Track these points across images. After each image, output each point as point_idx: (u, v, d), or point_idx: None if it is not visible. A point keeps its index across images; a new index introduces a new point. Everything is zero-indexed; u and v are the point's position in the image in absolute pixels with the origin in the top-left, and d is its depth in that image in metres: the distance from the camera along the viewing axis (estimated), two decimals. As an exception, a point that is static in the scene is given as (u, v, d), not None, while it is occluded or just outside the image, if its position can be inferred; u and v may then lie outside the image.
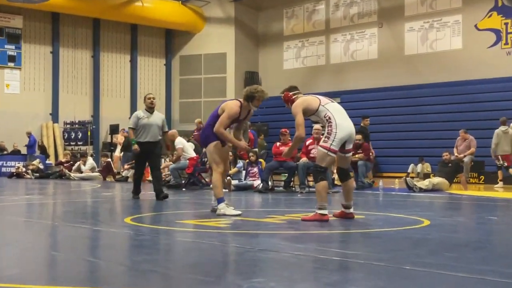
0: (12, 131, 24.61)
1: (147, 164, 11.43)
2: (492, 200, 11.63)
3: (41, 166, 22.14)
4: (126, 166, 19.70)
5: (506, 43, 21.28)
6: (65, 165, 21.36)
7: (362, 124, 15.96)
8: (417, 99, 22.37)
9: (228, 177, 13.91)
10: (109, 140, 26.00)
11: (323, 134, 7.50)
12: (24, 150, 24.20)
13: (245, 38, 28.00)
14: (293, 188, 13.79)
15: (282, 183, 14.14)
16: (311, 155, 13.23)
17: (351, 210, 7.32)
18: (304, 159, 13.26)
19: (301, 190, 13.06)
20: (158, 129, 10.99)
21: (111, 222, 7.56)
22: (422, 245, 5.46)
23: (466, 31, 22.19)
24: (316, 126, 13.59)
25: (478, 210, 9.79)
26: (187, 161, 14.88)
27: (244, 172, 14.44)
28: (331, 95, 24.82)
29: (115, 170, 20.23)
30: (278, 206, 9.63)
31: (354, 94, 24.32)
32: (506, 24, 21.31)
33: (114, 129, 25.00)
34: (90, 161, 21.05)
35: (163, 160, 22.01)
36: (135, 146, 10.89)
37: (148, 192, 13.28)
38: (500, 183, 16.64)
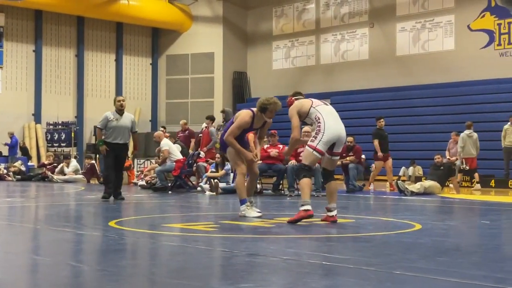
0: (-6, 132, 24.11)
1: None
2: (484, 204, 11.65)
3: (23, 168, 21.73)
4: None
5: (499, 44, 21.02)
6: (48, 167, 21.02)
7: (377, 126, 15.56)
8: (408, 101, 22.08)
9: (216, 180, 13.75)
10: (93, 141, 25.50)
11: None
12: (5, 152, 23.76)
13: (234, 37, 27.63)
14: (282, 191, 13.61)
15: (271, 186, 13.83)
16: (300, 158, 12.92)
17: (335, 213, 7.34)
18: (293, 162, 13.03)
19: (290, 193, 12.89)
20: (127, 131, 11.21)
21: (95, 226, 7.56)
22: (413, 249, 5.43)
23: (458, 31, 21.93)
24: (305, 128, 13.41)
25: (470, 214, 9.80)
26: (174, 163, 14.69)
27: (232, 174, 14.16)
28: (321, 96, 24.75)
29: (99, 173, 19.87)
30: (267, 210, 9.37)
31: (345, 95, 23.99)
32: (499, 24, 21.04)
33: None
34: (73, 163, 20.76)
35: (149, 162, 21.78)
36: (103, 147, 11.09)
37: (133, 195, 12.98)
38: (478, 185, 16.84)
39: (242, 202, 7.96)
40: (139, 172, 19.38)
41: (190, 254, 5.05)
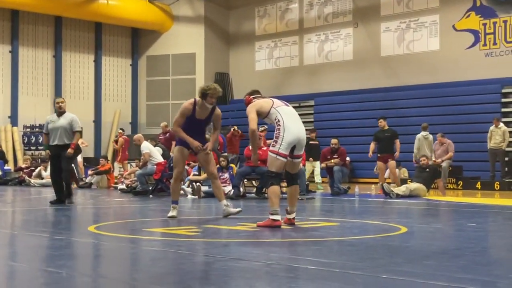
0: (-32, 135, 23.60)
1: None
2: (470, 206, 11.67)
3: (-1, 172, 21.27)
4: (90, 172, 19.11)
5: (485, 44, 20.88)
6: (25, 171, 20.73)
7: (384, 127, 15.28)
8: (393, 102, 21.89)
9: (198, 184, 13.53)
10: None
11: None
12: (-19, 155, 23.17)
13: (216, 37, 27.30)
14: (266, 195, 13.28)
15: (254, 189, 13.62)
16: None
17: (293, 216, 7.31)
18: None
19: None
20: (64, 132, 11.02)
21: (74, 231, 7.52)
22: (399, 253, 5.45)
23: (443, 31, 21.77)
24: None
25: (456, 216, 9.80)
26: (154, 166, 14.52)
27: (215, 178, 13.84)
28: (305, 97, 24.50)
29: (78, 176, 19.48)
30: (250, 213, 9.49)
31: (329, 96, 23.78)
32: (484, 24, 20.89)
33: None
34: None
35: (129, 165, 21.35)
36: (47, 151, 11.31)
37: (113, 199, 12.80)
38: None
39: (173, 202, 8.37)
40: (119, 176, 19.02)
41: (172, 259, 5.05)
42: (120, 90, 27.94)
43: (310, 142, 16.64)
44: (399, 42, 22.65)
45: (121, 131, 20.40)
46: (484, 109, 19.70)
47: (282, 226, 7.10)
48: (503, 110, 19.75)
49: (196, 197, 13.26)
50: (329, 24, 24.44)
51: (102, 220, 8.92)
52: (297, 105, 24.75)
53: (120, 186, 16.36)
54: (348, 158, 16.56)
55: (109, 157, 23.69)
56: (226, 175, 13.69)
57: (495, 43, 20.66)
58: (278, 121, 7.24)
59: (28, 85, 25.47)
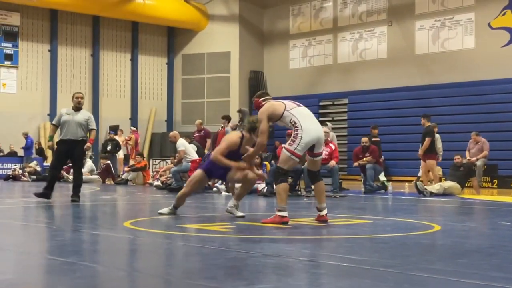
0: (9, 132, 24.09)
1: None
2: (505, 205, 11.55)
3: (38, 169, 21.70)
4: (126, 169, 19.40)
5: (521, 42, 20.60)
6: (63, 167, 20.89)
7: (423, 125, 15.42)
8: (427, 100, 21.76)
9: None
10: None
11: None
12: (21, 152, 23.70)
13: (250, 36, 27.37)
14: (299, 192, 13.58)
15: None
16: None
17: (325, 213, 7.32)
18: (309, 163, 12.82)
19: (307, 194, 12.79)
20: (79, 127, 10.71)
21: (110, 226, 7.57)
22: (432, 251, 5.41)
23: (479, 29, 21.53)
24: (324, 128, 13.38)
25: (491, 215, 9.72)
26: (189, 163, 14.61)
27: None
28: (338, 95, 24.50)
29: (115, 173, 19.82)
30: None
31: (363, 94, 23.71)
32: (520, 22, 20.62)
33: (114, 130, 24.44)
34: (89, 163, 20.71)
35: (164, 162, 21.67)
36: (50, 143, 11.15)
37: (149, 196, 12.87)
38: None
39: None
40: (155, 173, 19.29)
41: (206, 255, 5.05)
42: (156, 88, 28.23)
43: (373, 139, 16.61)
44: (433, 40, 22.46)
45: (134, 128, 20.67)
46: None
47: (314, 224, 7.13)
48: (539, 108, 19.55)
49: (230, 194, 13.40)
50: (363, 22, 24.33)
51: (137, 216, 8.93)
52: (331, 103, 24.84)
53: (156, 183, 16.60)
54: (382, 157, 16.56)
55: (145, 154, 24.01)
56: (260, 172, 13.79)
57: (531, 41, 20.43)
58: (295, 123, 7.20)
59: (66, 83, 25.89)
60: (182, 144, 14.84)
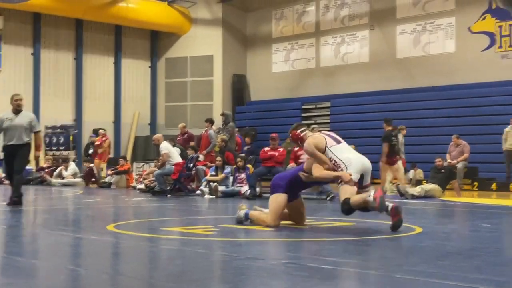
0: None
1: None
2: (486, 207, 11.67)
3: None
4: (109, 172, 19.36)
5: (500, 47, 20.88)
6: (46, 170, 20.94)
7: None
8: (409, 104, 21.94)
9: (215, 183, 13.70)
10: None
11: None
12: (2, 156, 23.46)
13: (233, 40, 27.41)
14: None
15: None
16: (300, 160, 12.97)
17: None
18: (292, 165, 12.95)
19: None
20: (23, 130, 10.21)
21: (93, 229, 7.55)
22: (414, 253, 5.45)
23: (459, 34, 21.78)
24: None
25: (471, 217, 9.80)
26: (173, 166, 14.59)
27: (231, 178, 14.10)
28: (321, 98, 24.59)
29: (98, 176, 19.78)
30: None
31: (345, 98, 23.86)
32: (500, 27, 20.90)
33: (97, 134, 24.40)
34: (72, 166, 20.74)
35: (148, 165, 21.67)
36: None
37: (132, 199, 12.88)
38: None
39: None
40: (138, 176, 19.29)
41: (189, 258, 5.03)
42: (139, 92, 28.15)
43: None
44: (415, 44, 22.68)
45: (103, 131, 20.60)
46: (500, 111, 19.64)
47: (295, 226, 7.15)
48: (519, 112, 19.77)
49: (213, 196, 13.47)
50: (345, 26, 24.48)
51: (121, 219, 8.92)
52: (314, 106, 24.95)
53: (139, 186, 16.61)
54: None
55: (128, 157, 24.00)
56: (243, 175, 13.87)
57: (511, 45, 20.64)
58: (335, 162, 6.97)
59: (49, 86, 25.71)
60: (165, 147, 14.86)
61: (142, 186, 16.29)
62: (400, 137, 16.37)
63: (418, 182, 17.79)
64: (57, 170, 20.59)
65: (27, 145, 10.25)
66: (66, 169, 20.45)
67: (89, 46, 26.81)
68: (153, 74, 28.55)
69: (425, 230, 6.98)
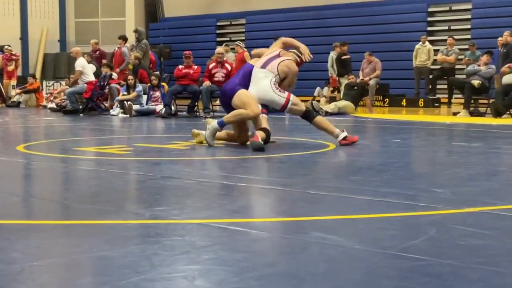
0: None
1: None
2: (396, 123, 11.88)
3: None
4: (18, 91, 18.71)
5: (413, -37, 20.99)
6: None
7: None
8: (324, 21, 21.97)
9: (129, 102, 13.49)
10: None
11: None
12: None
13: None
14: (197, 113, 13.51)
15: (186, 107, 13.64)
16: (215, 78, 12.98)
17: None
18: (207, 83, 12.87)
19: (205, 115, 12.64)
20: None
21: (2, 150, 7.28)
22: (327, 169, 5.55)
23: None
24: (218, 49, 13.32)
25: (382, 133, 9.97)
26: (85, 85, 14.20)
27: (145, 96, 13.88)
28: (236, 15, 24.24)
29: (5, 96, 19.07)
30: (182, 132, 9.46)
31: (260, 14, 23.60)
32: None
33: (1, 51, 23.34)
34: (-24, 85, 19.77)
35: (58, 83, 21.03)
36: None
37: (43, 118, 12.59)
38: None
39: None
40: (48, 94, 18.74)
41: (104, 178, 4.96)
42: (46, 6, 26.95)
43: (342, 57, 16.36)
44: (330, -40, 22.53)
45: (9, 47, 19.77)
46: (411, 28, 20.05)
47: (214, 145, 7.07)
48: (429, 29, 20.19)
49: (127, 115, 13.28)
50: None
51: (31, 139, 8.64)
52: (229, 23, 24.64)
53: (50, 105, 16.16)
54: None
55: (38, 75, 23.18)
56: (158, 94, 13.70)
57: (422, -38, 20.86)
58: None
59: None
60: (80, 64, 14.39)
61: (53, 105, 15.86)
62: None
63: (332, 99, 18.13)
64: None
65: None
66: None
67: (-9, -43, 25.28)
68: (62, -12, 27.33)
69: (337, 146, 7.06)
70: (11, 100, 18.52)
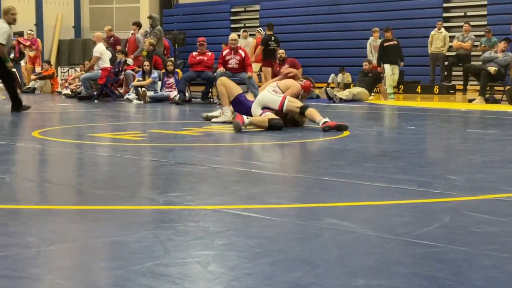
0: None
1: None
2: (411, 110, 11.85)
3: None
4: (33, 77, 18.76)
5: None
6: None
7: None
8: (338, 7, 21.80)
9: (144, 89, 13.50)
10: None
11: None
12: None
13: None
14: (211, 99, 13.48)
15: (200, 94, 13.63)
16: (229, 65, 12.87)
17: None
18: (221, 69, 12.81)
19: (219, 101, 12.61)
20: None
21: (18, 136, 7.32)
22: (341, 156, 5.47)
23: None
24: (232, 35, 13.21)
25: (397, 120, 10.01)
26: (100, 71, 14.21)
27: (160, 83, 13.89)
28: (250, 1, 24.07)
29: (21, 81, 19.12)
30: (196, 118, 9.35)
31: (275, 1, 23.48)
32: None
33: (19, 36, 23.43)
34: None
35: (73, 70, 21.12)
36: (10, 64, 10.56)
37: (58, 104, 12.66)
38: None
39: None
40: (63, 81, 18.80)
41: (118, 164, 4.97)
42: (62, -7, 27.09)
43: (385, 44, 15.40)
44: None
45: (31, 32, 19.80)
46: (426, 14, 19.87)
47: (227, 132, 7.15)
48: (445, 15, 20.01)
49: (142, 102, 13.30)
50: None
51: (46, 125, 8.61)
52: (243, 9, 24.56)
53: (65, 91, 16.21)
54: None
55: (52, 61, 23.26)
56: (172, 80, 13.69)
57: None
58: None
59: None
60: (99, 50, 14.30)
61: (67, 91, 15.91)
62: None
63: (346, 86, 18.06)
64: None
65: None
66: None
67: None
68: (76, -26, 27.34)
69: (352, 133, 7.02)
70: (26, 86, 18.60)
